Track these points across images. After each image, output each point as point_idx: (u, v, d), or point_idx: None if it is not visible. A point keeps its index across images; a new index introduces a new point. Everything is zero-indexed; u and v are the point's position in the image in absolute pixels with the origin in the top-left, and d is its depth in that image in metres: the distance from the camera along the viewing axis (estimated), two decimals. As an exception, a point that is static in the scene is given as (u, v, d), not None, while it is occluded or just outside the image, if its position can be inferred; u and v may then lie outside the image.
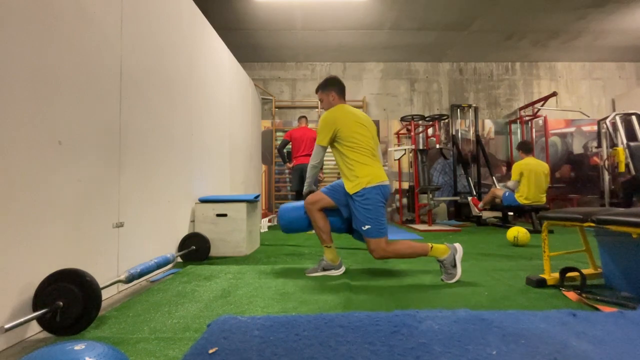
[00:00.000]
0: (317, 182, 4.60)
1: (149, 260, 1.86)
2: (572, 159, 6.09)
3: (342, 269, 2.15)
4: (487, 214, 4.97)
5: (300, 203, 2.21)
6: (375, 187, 1.94)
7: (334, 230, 2.15)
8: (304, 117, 4.81)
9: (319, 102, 2.23)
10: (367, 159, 1.99)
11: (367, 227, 1.93)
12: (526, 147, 4.29)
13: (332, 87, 2.14)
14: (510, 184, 4.28)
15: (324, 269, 2.11)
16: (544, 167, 4.13)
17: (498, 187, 5.19)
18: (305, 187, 2.17)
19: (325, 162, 5.70)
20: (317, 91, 2.22)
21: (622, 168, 4.58)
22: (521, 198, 4.15)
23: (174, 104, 2.47)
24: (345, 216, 2.12)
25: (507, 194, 4.30)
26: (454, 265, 1.89)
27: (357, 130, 2.01)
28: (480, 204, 4.67)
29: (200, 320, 1.36)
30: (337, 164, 2.10)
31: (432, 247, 1.93)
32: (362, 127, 2.03)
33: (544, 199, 4.14)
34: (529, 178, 4.09)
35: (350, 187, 1.97)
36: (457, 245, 1.95)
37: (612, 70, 6.29)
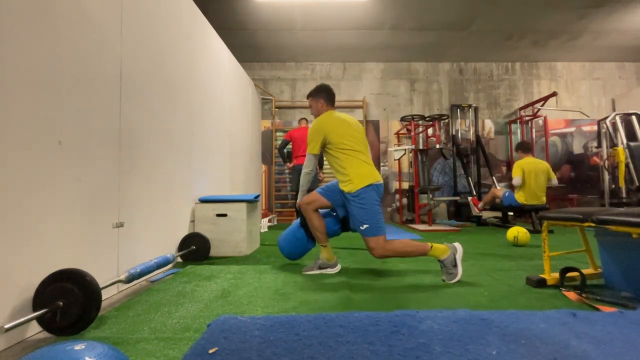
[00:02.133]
0: (317, 181, 4.60)
1: (149, 260, 1.86)
2: (572, 159, 6.10)
3: (338, 267, 2.18)
4: (487, 214, 4.96)
5: (292, 227, 2.32)
6: (369, 187, 1.99)
7: (329, 233, 2.18)
8: (305, 119, 4.83)
9: (310, 108, 2.28)
10: (359, 161, 2.04)
11: (365, 226, 1.96)
12: (525, 147, 4.28)
13: (321, 94, 2.20)
14: (515, 181, 4.19)
15: (320, 267, 2.14)
16: (544, 165, 4.13)
17: (498, 187, 5.18)
18: (298, 197, 2.18)
19: (325, 163, 5.70)
20: (307, 97, 2.29)
21: (622, 168, 4.57)
22: (521, 198, 4.14)
23: (174, 104, 2.47)
24: (341, 216, 2.18)
25: (507, 193, 4.30)
26: (455, 265, 1.89)
27: (347, 134, 2.06)
28: (480, 204, 4.66)
29: (200, 320, 1.36)
30: (332, 168, 2.13)
31: (432, 247, 1.94)
32: (351, 130, 2.09)
33: (544, 199, 4.13)
34: (529, 177, 4.09)
35: (346, 188, 2.02)
36: (457, 244, 1.95)
37: (612, 70, 6.29)
